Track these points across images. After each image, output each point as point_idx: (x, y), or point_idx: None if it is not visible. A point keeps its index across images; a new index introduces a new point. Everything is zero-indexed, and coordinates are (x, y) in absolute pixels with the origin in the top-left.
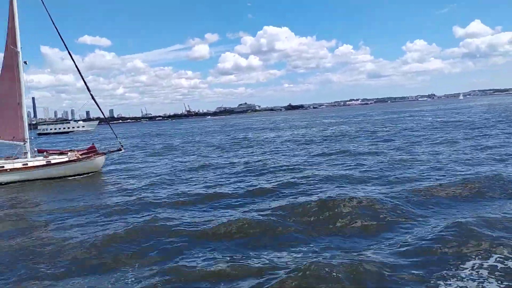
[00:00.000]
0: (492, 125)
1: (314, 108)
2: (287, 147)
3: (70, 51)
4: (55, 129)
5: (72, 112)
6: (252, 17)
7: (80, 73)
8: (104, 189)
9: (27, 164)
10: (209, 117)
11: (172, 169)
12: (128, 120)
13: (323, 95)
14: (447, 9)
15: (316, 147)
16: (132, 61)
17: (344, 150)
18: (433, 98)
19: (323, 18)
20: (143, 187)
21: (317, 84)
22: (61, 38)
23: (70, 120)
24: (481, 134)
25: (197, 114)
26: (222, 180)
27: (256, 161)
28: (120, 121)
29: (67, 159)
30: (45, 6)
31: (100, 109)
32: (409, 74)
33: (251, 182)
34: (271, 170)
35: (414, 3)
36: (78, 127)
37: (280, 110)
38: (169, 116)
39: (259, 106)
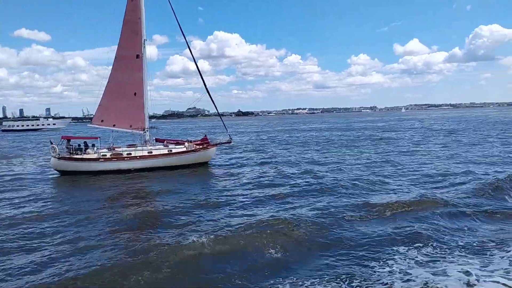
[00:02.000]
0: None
1: (265, 115)
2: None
3: (189, 45)
4: (22, 126)
5: (4, 110)
6: (203, 21)
7: (198, 68)
8: (219, 178)
9: (151, 152)
10: (153, 120)
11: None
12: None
13: (272, 102)
14: (389, 27)
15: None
16: (73, 58)
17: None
18: (375, 110)
19: (273, 27)
20: (251, 178)
21: (265, 92)
22: (183, 34)
23: (40, 117)
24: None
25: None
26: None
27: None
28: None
29: (184, 149)
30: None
31: (215, 106)
32: (353, 86)
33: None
34: None
35: (360, 19)
36: (49, 124)
37: (230, 115)
38: None
39: (208, 111)
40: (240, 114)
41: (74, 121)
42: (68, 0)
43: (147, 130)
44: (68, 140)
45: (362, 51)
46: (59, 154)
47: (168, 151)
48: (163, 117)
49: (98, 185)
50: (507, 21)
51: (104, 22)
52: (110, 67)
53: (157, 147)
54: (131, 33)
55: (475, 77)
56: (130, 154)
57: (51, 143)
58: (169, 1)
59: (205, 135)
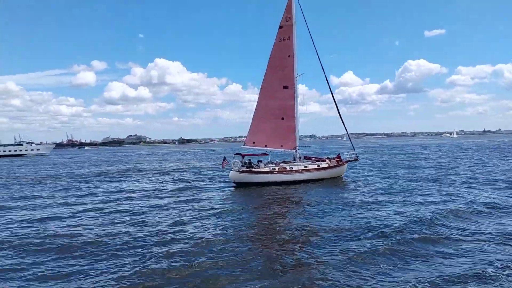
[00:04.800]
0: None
1: (207, 142)
2: None
3: (326, 74)
4: (4, 151)
5: None
6: (144, 49)
7: (333, 95)
8: (353, 189)
9: (307, 167)
10: (87, 147)
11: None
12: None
13: (213, 130)
14: (326, 59)
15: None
16: (4, 83)
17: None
18: (314, 138)
19: (215, 56)
20: (377, 192)
21: (206, 119)
22: (323, 69)
23: (23, 142)
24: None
25: (82, 144)
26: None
27: None
28: None
29: (327, 165)
30: (310, 35)
31: (345, 128)
32: None
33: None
34: None
35: (298, 51)
36: (32, 150)
37: (174, 143)
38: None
39: (150, 138)
40: (183, 141)
41: (57, 147)
42: None
43: (297, 149)
44: (243, 156)
45: (300, 82)
46: (240, 168)
47: (317, 166)
48: (102, 144)
49: (272, 194)
50: (432, 57)
51: (36, 47)
52: (45, 93)
53: (308, 162)
54: (276, 68)
55: (404, 108)
56: (292, 168)
57: (224, 159)
58: (311, 40)
59: (339, 154)
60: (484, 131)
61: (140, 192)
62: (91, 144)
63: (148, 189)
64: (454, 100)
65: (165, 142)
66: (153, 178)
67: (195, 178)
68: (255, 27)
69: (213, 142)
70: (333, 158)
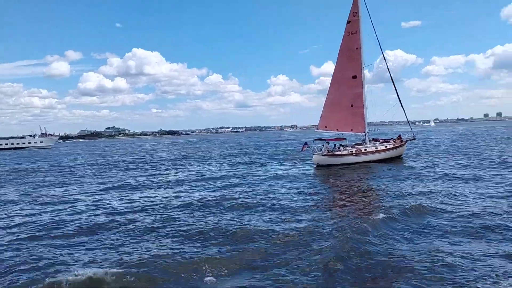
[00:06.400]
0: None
1: (189, 133)
2: None
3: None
4: (6, 144)
5: None
6: (122, 38)
7: (393, 82)
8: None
9: (377, 148)
10: (60, 140)
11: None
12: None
13: (194, 121)
14: (308, 50)
15: None
16: None
17: None
18: (295, 128)
19: (195, 47)
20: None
21: (187, 111)
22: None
23: (26, 135)
24: None
25: (61, 138)
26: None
27: None
28: None
29: (391, 146)
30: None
31: (405, 115)
32: (273, 105)
33: None
34: None
35: (282, 42)
36: (36, 142)
37: (155, 134)
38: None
39: (129, 130)
40: (164, 133)
41: (60, 140)
42: None
43: (367, 133)
44: (328, 142)
45: (281, 72)
46: (324, 152)
47: (385, 147)
48: (79, 137)
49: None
50: (409, 47)
51: (3, 37)
52: (16, 84)
53: (376, 144)
54: (347, 59)
55: (383, 98)
56: (367, 150)
57: (305, 144)
58: (375, 34)
59: (400, 135)
60: (458, 119)
61: (217, 177)
62: (67, 137)
63: (231, 173)
64: (429, 90)
65: (145, 134)
66: (222, 162)
67: (269, 162)
68: (236, 16)
69: (194, 133)
70: (396, 139)
